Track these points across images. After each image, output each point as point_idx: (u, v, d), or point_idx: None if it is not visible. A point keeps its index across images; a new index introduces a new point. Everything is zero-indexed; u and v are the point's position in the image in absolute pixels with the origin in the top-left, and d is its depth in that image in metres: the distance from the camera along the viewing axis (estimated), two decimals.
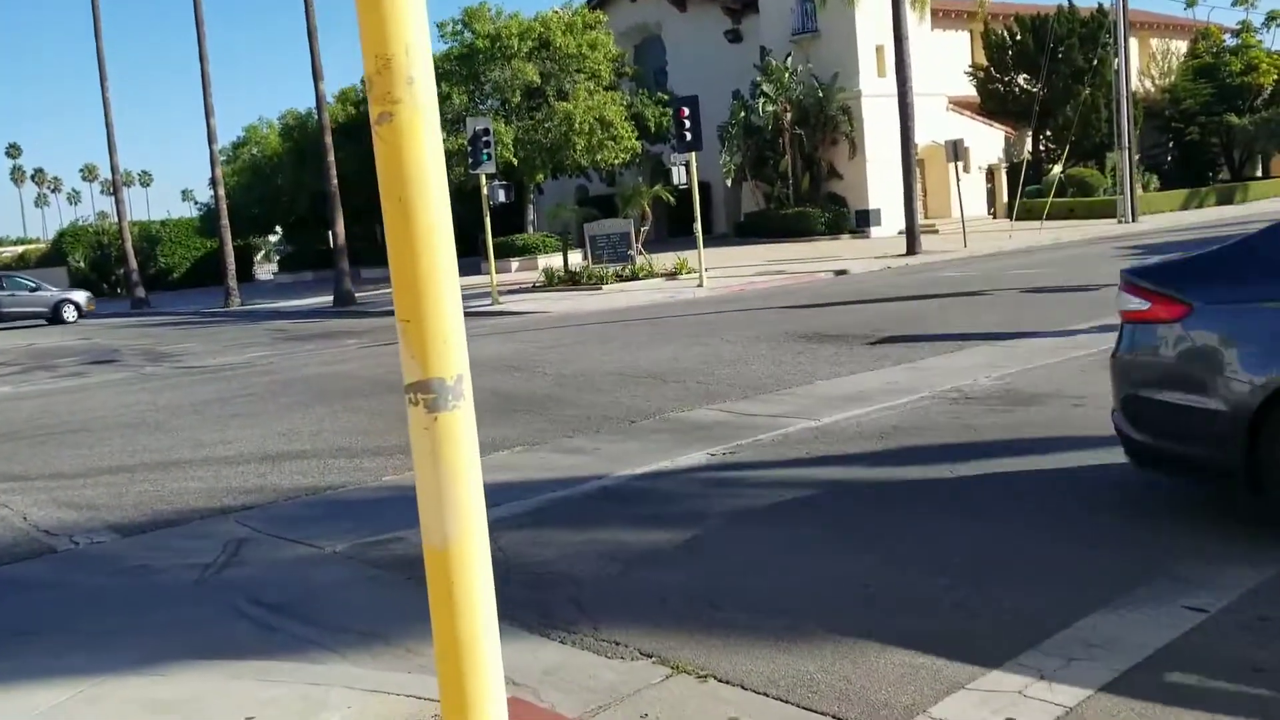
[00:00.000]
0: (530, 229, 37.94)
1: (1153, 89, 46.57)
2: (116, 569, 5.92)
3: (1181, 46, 49.14)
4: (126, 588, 5.60)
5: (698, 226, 24.86)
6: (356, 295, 31.35)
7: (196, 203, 62.13)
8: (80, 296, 37.02)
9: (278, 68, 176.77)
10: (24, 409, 12.93)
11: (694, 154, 24.51)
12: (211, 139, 34.70)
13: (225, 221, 35.30)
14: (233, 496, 7.31)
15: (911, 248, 28.70)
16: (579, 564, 5.24)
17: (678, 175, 25.46)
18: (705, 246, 32.35)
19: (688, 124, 23.55)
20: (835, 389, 9.47)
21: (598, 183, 43.91)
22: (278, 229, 55.62)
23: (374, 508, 6.80)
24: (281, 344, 20.42)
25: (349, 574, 5.51)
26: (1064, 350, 10.38)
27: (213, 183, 36.35)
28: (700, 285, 24.13)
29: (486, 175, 25.17)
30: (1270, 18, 52.02)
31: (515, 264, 35.74)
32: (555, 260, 33.68)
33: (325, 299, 33.40)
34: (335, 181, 30.54)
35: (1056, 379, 8.89)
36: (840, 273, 25.90)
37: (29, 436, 10.50)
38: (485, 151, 24.03)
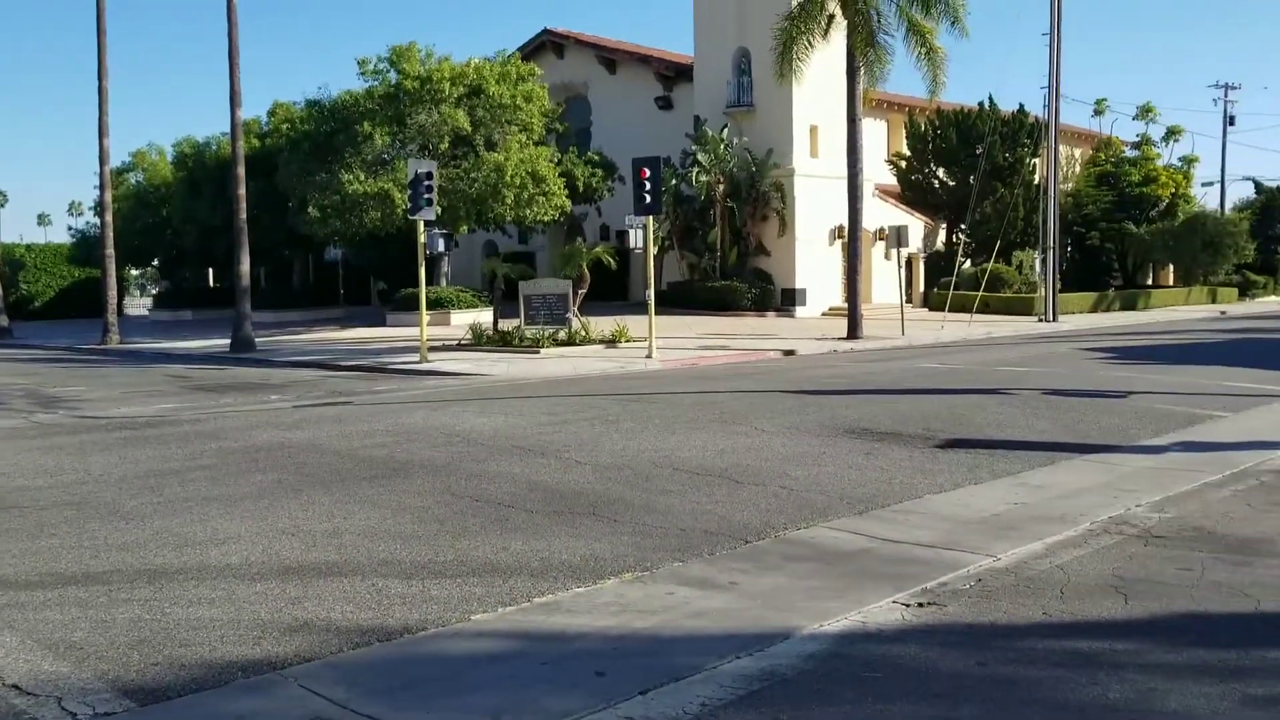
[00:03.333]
0: (444, 281, 35.82)
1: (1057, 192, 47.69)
2: None
3: (1084, 154, 50.64)
4: None
5: (650, 294, 23.45)
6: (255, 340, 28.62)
7: (70, 229, 57.76)
8: None
9: (169, 93, 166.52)
10: None
11: (651, 217, 23.07)
12: (104, 160, 31.77)
13: (110, 250, 32.13)
14: (273, 639, 5.25)
15: (853, 331, 27.88)
16: None
17: (634, 238, 23.98)
18: (625, 314, 31.07)
19: (648, 185, 22.08)
20: (957, 509, 7.94)
21: (508, 239, 42.27)
22: (155, 262, 51.88)
23: (495, 673, 4.86)
24: (192, 394, 17.89)
25: None
26: (1181, 474, 9.10)
27: (100, 208, 33.20)
28: (650, 356, 22.57)
29: (425, 222, 23.20)
30: (1170, 133, 53.95)
31: (427, 317, 33.55)
32: (469, 316, 31.72)
33: (216, 341, 30.55)
34: (244, 215, 27.95)
35: (1235, 515, 7.56)
36: (789, 353, 24.81)
37: None
38: (426, 197, 22.10)
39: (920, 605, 5.71)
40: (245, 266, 28.47)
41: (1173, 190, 46.98)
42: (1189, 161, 54.39)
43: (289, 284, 47.06)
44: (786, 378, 18.18)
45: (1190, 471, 9.26)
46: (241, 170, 28.24)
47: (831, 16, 27.76)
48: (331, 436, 11.80)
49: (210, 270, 52.06)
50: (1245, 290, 54.60)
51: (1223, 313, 43.46)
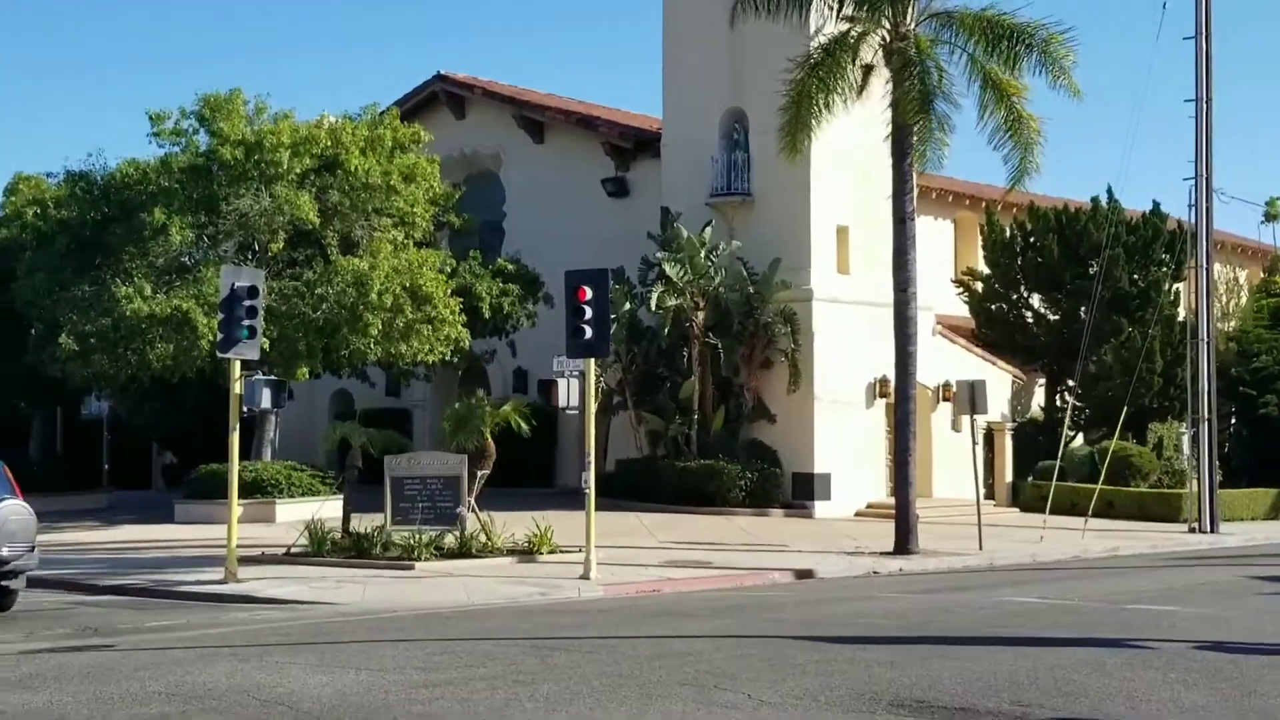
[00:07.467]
0: (268, 452, 35.76)
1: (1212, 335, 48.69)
2: None
3: (1251, 278, 52.07)
4: None
5: (590, 478, 23.63)
6: None
7: None
8: None
9: None
10: None
11: (593, 360, 23.39)
12: None
13: None
14: None
15: (904, 543, 28.05)
16: None
17: (566, 392, 24.27)
18: (551, 508, 31.19)
19: (589, 311, 22.40)
20: None
21: (372, 389, 42.08)
22: None
23: None
24: None
25: None
26: None
27: None
28: (587, 577, 22.65)
29: (243, 363, 23.38)
30: None
31: (240, 509, 33.37)
32: (307, 508, 31.55)
33: None
34: None
35: None
36: (805, 574, 25.01)
37: None
38: (247, 324, 22.43)
39: None
40: None
41: None
42: None
43: (24, 454, 46.67)
44: (799, 616, 18.32)
45: None
46: None
47: (869, 68, 28.81)
48: (78, 705, 11.64)
49: None
50: None
51: None
